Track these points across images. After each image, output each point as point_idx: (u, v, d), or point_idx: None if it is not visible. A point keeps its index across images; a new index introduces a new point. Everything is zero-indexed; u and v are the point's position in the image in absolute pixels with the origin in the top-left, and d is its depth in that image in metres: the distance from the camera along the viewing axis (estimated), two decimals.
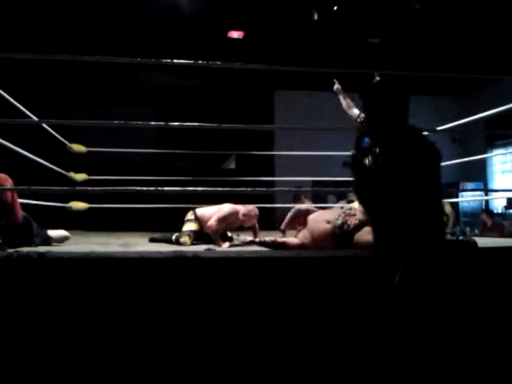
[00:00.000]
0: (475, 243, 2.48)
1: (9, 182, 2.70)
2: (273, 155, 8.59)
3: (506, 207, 7.99)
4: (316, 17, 6.01)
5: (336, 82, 4.41)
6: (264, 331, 1.91)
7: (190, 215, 3.84)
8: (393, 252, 1.92)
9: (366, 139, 2.02)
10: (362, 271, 2.02)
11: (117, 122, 2.78)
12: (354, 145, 2.07)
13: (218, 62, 3.00)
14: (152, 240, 3.71)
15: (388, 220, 1.94)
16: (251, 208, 3.76)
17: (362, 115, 4.46)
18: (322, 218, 2.86)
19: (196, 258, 1.95)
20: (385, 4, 6.03)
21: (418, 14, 6.09)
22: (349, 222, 2.70)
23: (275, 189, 6.90)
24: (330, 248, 2.70)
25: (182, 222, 3.84)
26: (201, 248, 3.10)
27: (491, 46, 7.05)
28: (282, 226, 3.38)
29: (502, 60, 7.16)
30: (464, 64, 7.24)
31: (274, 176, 8.34)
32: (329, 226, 2.75)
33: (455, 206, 7.90)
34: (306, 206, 4.76)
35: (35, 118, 3.67)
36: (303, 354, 1.90)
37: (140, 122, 3.09)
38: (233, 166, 9.93)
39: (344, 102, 4.46)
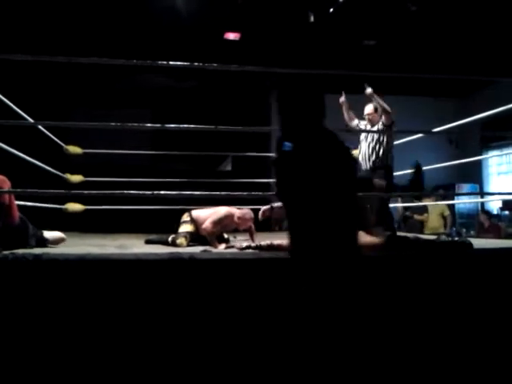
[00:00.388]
0: (470, 244, 2.49)
1: (7, 184, 2.70)
2: (269, 157, 8.59)
3: (502, 208, 8.01)
4: (312, 19, 6.02)
5: (343, 95, 4.48)
6: (260, 331, 1.91)
7: (185, 217, 3.85)
8: (308, 257, 1.85)
9: (287, 143, 1.94)
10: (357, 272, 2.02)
11: (113, 123, 2.78)
12: (275, 148, 1.98)
13: (214, 64, 3.00)
14: (148, 242, 3.70)
15: (304, 225, 1.87)
16: (246, 211, 3.78)
17: (359, 122, 4.44)
18: None
19: (192, 259, 1.95)
20: (381, 6, 6.04)
21: (414, 15, 6.11)
22: None
23: (270, 193, 6.91)
24: None
25: (178, 223, 3.84)
26: (197, 249, 3.10)
27: (487, 48, 7.08)
28: (274, 204, 3.42)
29: (499, 62, 7.20)
30: (460, 66, 7.27)
31: (270, 178, 8.33)
32: None
33: (452, 207, 7.94)
34: None
35: (31, 120, 3.67)
36: (300, 354, 1.90)
37: (136, 124, 3.09)
38: (229, 167, 9.93)
39: (346, 114, 4.55)
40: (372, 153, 4.24)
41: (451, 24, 6.47)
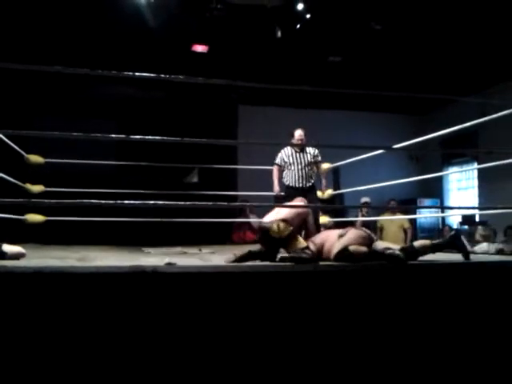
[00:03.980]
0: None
1: None
2: (236, 170, 8.61)
3: (462, 223, 8.25)
4: (279, 34, 6.11)
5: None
6: (225, 348, 1.90)
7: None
8: None
9: None
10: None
11: (76, 133, 2.73)
12: None
13: (181, 76, 3.00)
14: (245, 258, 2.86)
15: None
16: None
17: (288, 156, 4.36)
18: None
19: (155, 272, 1.93)
20: (346, 24, 6.19)
21: (379, 34, 6.29)
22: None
23: (236, 204, 6.94)
24: None
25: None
26: (161, 262, 3.05)
27: (447, 67, 7.33)
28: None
29: (458, 81, 7.46)
30: (421, 84, 7.50)
31: (236, 190, 8.34)
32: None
33: (413, 221, 8.12)
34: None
35: None
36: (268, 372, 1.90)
37: (99, 135, 3.03)
38: (196, 179, 9.88)
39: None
40: (308, 176, 4.74)
41: (414, 43, 6.68)
